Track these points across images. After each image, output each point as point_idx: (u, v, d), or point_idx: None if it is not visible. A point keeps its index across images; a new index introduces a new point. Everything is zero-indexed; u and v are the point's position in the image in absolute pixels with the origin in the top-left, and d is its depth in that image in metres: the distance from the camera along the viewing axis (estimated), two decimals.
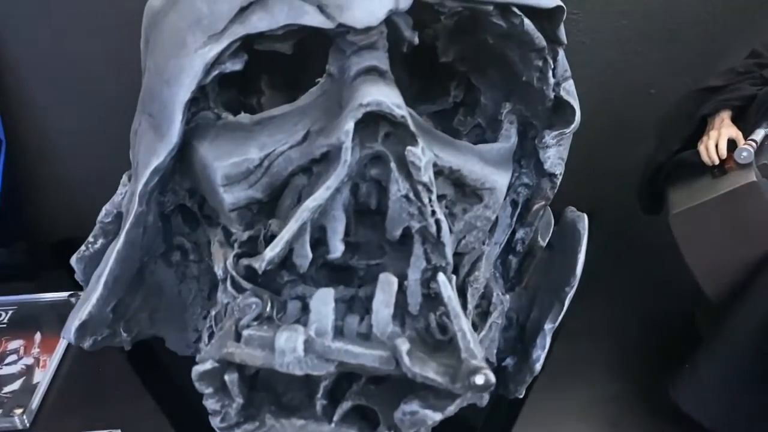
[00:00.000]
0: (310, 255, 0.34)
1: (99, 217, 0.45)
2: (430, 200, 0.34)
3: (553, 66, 0.41)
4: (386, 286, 0.34)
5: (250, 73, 0.46)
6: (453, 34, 0.44)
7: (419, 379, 0.30)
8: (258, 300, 0.33)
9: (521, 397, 0.43)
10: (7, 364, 0.61)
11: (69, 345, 0.63)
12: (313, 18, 0.34)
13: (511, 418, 0.56)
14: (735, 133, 0.53)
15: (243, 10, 0.35)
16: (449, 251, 0.34)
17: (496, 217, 0.43)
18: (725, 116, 0.54)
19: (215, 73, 0.36)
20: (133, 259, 0.40)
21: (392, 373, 0.31)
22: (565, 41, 0.42)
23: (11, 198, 0.76)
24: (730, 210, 0.50)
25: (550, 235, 0.48)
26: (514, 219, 0.45)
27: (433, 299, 0.34)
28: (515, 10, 0.39)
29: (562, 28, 0.41)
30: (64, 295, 0.69)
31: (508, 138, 0.43)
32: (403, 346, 0.30)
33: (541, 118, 0.44)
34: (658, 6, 0.74)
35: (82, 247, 0.44)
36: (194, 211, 0.43)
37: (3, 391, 0.58)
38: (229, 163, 0.36)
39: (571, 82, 0.43)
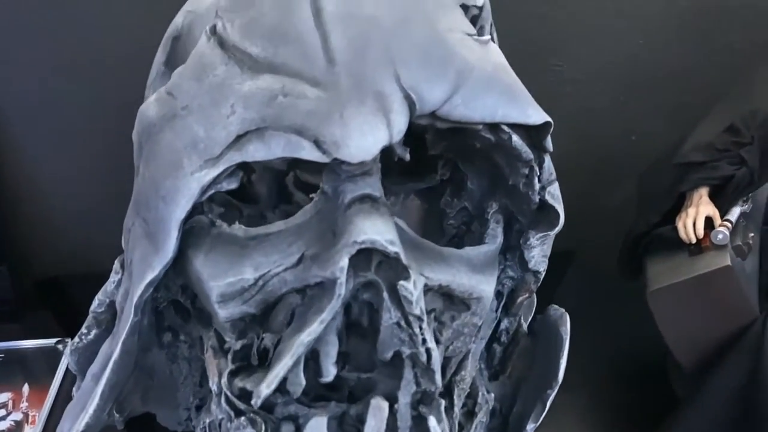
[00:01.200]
0: (303, 383, 0.35)
1: (92, 308, 0.45)
2: (420, 329, 0.35)
3: (539, 172, 0.43)
4: (377, 412, 0.35)
5: None
6: (442, 132, 0.45)
7: None
8: (251, 428, 0.34)
9: None
10: None
11: (57, 400, 0.64)
12: (309, 153, 0.35)
13: None
14: (712, 211, 0.55)
15: (239, 138, 0.36)
16: (438, 377, 0.36)
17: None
18: (703, 192, 0.56)
19: (210, 192, 0.37)
20: (130, 364, 0.41)
21: None
22: (551, 149, 0.43)
23: None
24: (704, 290, 0.53)
25: (530, 318, 0.50)
26: (499, 310, 0.47)
27: (421, 422, 0.35)
28: (504, 127, 0.40)
29: (549, 138, 0.42)
30: (51, 341, 0.69)
31: (495, 238, 0.44)
32: None
33: (526, 215, 0.45)
34: (641, 57, 0.75)
35: (76, 339, 0.45)
36: (186, 306, 0.44)
37: None
38: (225, 283, 0.37)
39: (556, 185, 0.44)
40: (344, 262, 0.34)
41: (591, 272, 0.81)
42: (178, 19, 0.46)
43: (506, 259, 0.47)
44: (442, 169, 0.51)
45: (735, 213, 0.55)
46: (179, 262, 0.41)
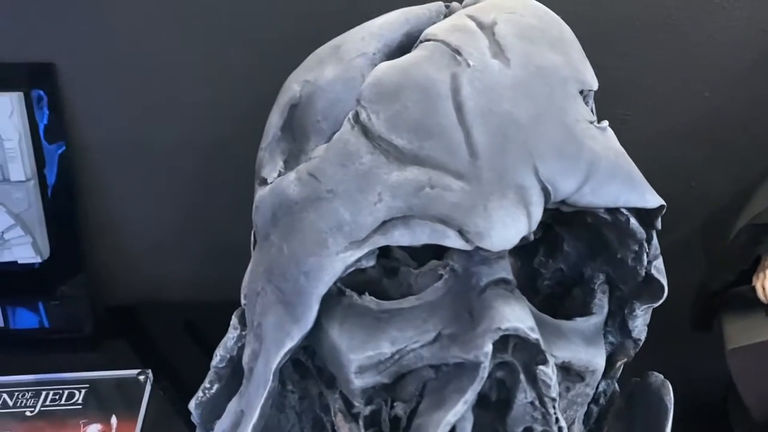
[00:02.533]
0: None
1: (213, 363, 0.48)
2: (554, 408, 0.38)
3: (647, 249, 0.45)
4: None
5: None
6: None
7: None
8: None
9: None
10: None
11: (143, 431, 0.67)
12: (453, 242, 0.37)
13: None
14: None
15: (385, 223, 0.38)
16: None
17: None
18: None
19: (351, 270, 0.40)
20: (261, 426, 0.43)
21: None
22: (660, 227, 0.45)
23: (68, 256, 0.76)
24: None
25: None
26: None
27: None
28: (623, 210, 0.42)
29: (659, 219, 0.44)
30: (133, 372, 0.72)
31: (602, 308, 0.47)
32: None
33: (629, 285, 0.47)
34: (705, 109, 0.77)
35: (200, 393, 0.47)
36: (307, 365, 0.46)
37: None
38: (364, 356, 0.40)
39: (660, 260, 0.47)
40: (488, 347, 0.36)
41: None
42: (295, 87, 0.48)
43: (606, 325, 0.49)
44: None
45: None
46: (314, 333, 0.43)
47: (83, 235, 0.79)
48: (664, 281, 0.46)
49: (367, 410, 0.41)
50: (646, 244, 0.45)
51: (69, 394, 0.70)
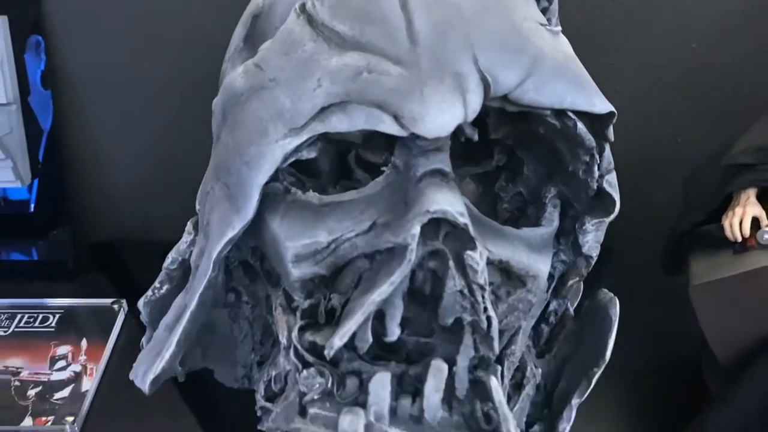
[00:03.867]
0: (371, 340, 0.38)
1: (165, 264, 0.48)
2: (483, 298, 0.37)
3: (599, 160, 0.44)
4: (437, 372, 0.37)
5: None
6: (504, 116, 0.47)
7: None
8: (323, 380, 0.37)
9: None
10: (57, 370, 0.65)
11: (113, 354, 0.67)
12: (388, 127, 0.37)
13: None
14: (759, 211, 0.56)
15: (323, 110, 0.38)
16: (497, 344, 0.38)
17: None
18: (751, 194, 0.57)
19: (291, 159, 0.40)
20: (203, 316, 0.44)
21: None
22: (612, 139, 0.45)
23: (48, 187, 0.77)
24: (747, 288, 0.54)
25: (576, 303, 0.52)
26: (549, 292, 0.49)
27: (478, 386, 0.38)
28: (570, 114, 0.42)
29: (611, 128, 0.44)
30: (107, 301, 0.72)
31: (551, 222, 0.46)
32: None
33: (582, 202, 0.47)
34: (693, 61, 0.76)
35: (149, 292, 0.48)
36: (255, 267, 0.47)
37: (54, 398, 0.62)
38: (300, 244, 0.40)
39: (613, 174, 0.46)
40: (416, 229, 0.36)
41: (629, 268, 0.83)
42: (259, 0, 0.49)
43: (559, 243, 0.49)
44: (498, 155, 0.53)
45: None
46: (253, 225, 0.43)
47: (67, 174, 0.80)
48: (616, 195, 0.46)
49: (306, 303, 0.41)
50: (597, 156, 0.44)
51: (43, 317, 0.71)
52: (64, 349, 0.68)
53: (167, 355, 0.42)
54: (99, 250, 0.85)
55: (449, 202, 0.37)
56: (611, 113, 0.43)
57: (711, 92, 0.78)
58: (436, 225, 0.38)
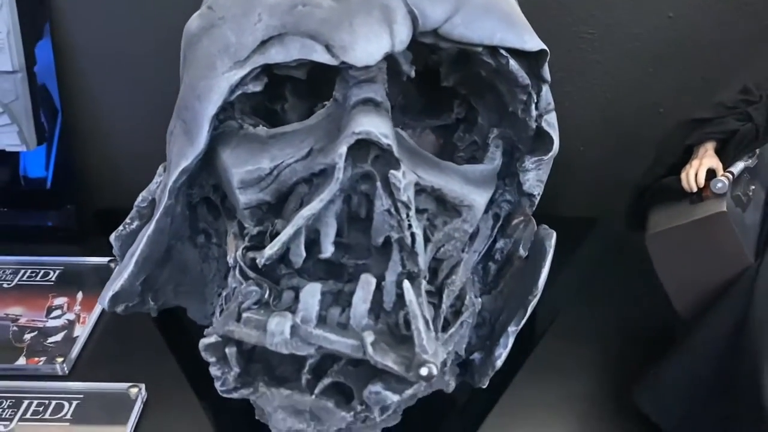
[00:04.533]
0: (304, 254, 0.41)
1: (136, 202, 0.52)
2: (407, 216, 0.40)
3: (536, 100, 0.47)
4: (366, 285, 0.40)
5: (277, 81, 0.52)
6: (454, 63, 0.50)
7: (380, 366, 0.36)
8: (258, 288, 0.40)
9: (484, 387, 0.49)
10: (52, 318, 0.69)
11: None
12: (320, 56, 0.40)
13: (489, 404, 0.62)
14: (716, 163, 0.57)
15: (264, 43, 0.41)
16: (421, 260, 0.41)
17: (477, 228, 0.49)
18: (709, 147, 0.59)
19: (238, 92, 0.43)
20: (161, 243, 0.47)
21: (361, 358, 0.37)
22: (549, 79, 0.47)
23: (64, 166, 0.83)
24: (700, 235, 0.55)
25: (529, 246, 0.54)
26: (495, 230, 0.51)
27: (402, 298, 0.40)
28: (502, 51, 0.44)
29: (546, 67, 0.46)
30: (104, 260, 0.77)
31: (492, 160, 0.49)
32: (369, 338, 0.37)
33: (525, 143, 0.49)
34: (671, 30, 0.77)
35: (120, 227, 0.51)
36: (217, 203, 0.50)
37: (48, 341, 0.66)
38: (245, 170, 0.43)
39: (553, 114, 0.48)
40: (343, 149, 0.39)
41: (611, 239, 0.84)
42: None
43: (505, 184, 0.51)
44: (457, 108, 0.56)
45: (738, 166, 0.57)
46: (211, 161, 0.47)
47: (73, 144, 0.84)
48: (555, 135, 0.48)
49: (255, 230, 0.44)
50: (534, 95, 0.46)
51: (44, 273, 0.76)
52: (60, 300, 0.72)
53: (126, 273, 0.45)
54: (103, 216, 0.90)
55: (374, 125, 0.40)
56: (543, 51, 0.45)
57: (692, 61, 0.79)
58: (365, 149, 0.40)
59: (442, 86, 0.53)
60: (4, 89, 0.75)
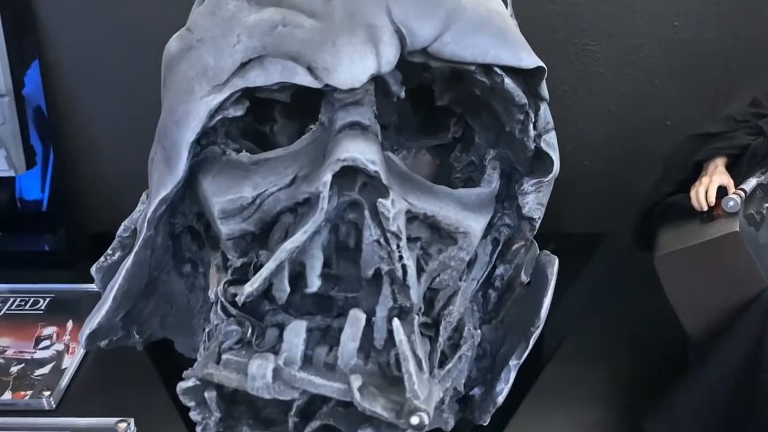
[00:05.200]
0: (288, 289, 0.38)
1: (118, 232, 0.50)
2: (398, 246, 0.38)
3: (534, 119, 0.44)
4: (354, 321, 0.37)
5: (266, 102, 0.50)
6: (448, 81, 0.47)
7: (368, 412, 0.34)
8: (238, 327, 0.38)
9: (485, 424, 0.46)
10: (41, 348, 0.67)
11: None
12: (303, 78, 0.38)
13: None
14: (727, 180, 0.54)
15: (243, 66, 0.39)
16: (413, 293, 0.38)
17: (475, 255, 0.47)
18: (719, 163, 0.56)
19: (218, 117, 0.41)
20: (141, 276, 0.45)
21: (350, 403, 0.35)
22: (547, 97, 0.44)
23: (58, 191, 0.82)
24: (712, 257, 0.52)
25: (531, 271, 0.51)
26: (494, 256, 0.48)
27: (393, 335, 0.38)
28: (496, 69, 0.42)
29: (543, 85, 0.44)
30: (94, 286, 0.74)
31: (490, 183, 0.46)
32: (356, 382, 0.34)
33: (524, 164, 0.47)
34: (676, 39, 0.75)
35: (102, 259, 0.49)
36: (201, 232, 0.48)
37: (35, 374, 0.64)
38: (226, 200, 0.41)
39: (552, 134, 0.46)
40: (327, 177, 0.37)
41: (619, 254, 0.81)
42: None
43: (504, 207, 0.48)
44: (454, 127, 0.53)
45: (751, 183, 0.54)
46: (194, 189, 0.45)
47: (66, 165, 0.83)
48: (555, 155, 0.46)
49: (239, 262, 0.42)
50: (531, 114, 0.44)
51: (34, 301, 0.74)
52: (50, 330, 0.70)
53: (103, 310, 0.43)
54: (96, 240, 0.88)
55: (360, 150, 0.37)
56: (540, 68, 0.42)
57: (698, 71, 0.76)
58: (352, 175, 0.38)
59: (439, 105, 0.51)
60: None
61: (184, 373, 0.37)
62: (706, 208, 0.54)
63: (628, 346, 0.70)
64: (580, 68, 0.77)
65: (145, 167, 0.89)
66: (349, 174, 0.38)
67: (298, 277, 0.39)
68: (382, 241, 0.38)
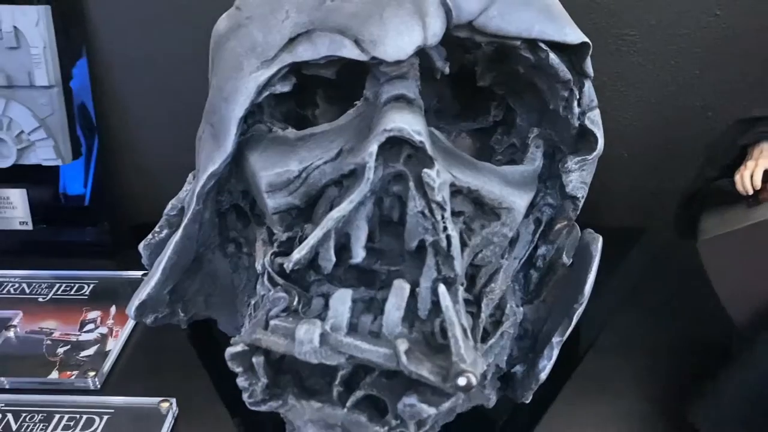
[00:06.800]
0: (334, 259, 0.39)
1: (165, 210, 0.51)
2: (443, 217, 0.38)
3: (578, 96, 0.44)
4: (399, 291, 0.38)
5: (307, 87, 0.51)
6: (490, 61, 0.48)
7: (414, 376, 0.34)
8: (286, 295, 0.38)
9: (527, 402, 0.46)
10: (85, 332, 0.69)
11: None
12: (350, 51, 0.38)
13: (532, 422, 0.59)
14: None
15: (292, 41, 0.40)
16: (458, 264, 0.38)
17: (517, 233, 0.47)
18: (765, 147, 0.55)
19: (266, 93, 0.42)
20: (190, 250, 0.46)
21: (395, 368, 0.35)
22: (592, 74, 0.45)
23: (100, 183, 0.84)
24: (757, 241, 0.51)
25: (573, 253, 0.51)
26: (537, 236, 0.48)
27: (438, 305, 0.38)
28: (541, 45, 0.42)
29: (588, 61, 0.44)
30: (138, 274, 0.76)
31: (533, 161, 0.46)
32: (402, 346, 0.34)
33: (568, 143, 0.47)
34: (718, 29, 0.74)
35: (149, 236, 0.50)
36: (246, 210, 0.48)
37: (80, 355, 0.66)
38: (273, 173, 0.42)
39: (596, 111, 0.46)
40: (373, 148, 0.37)
41: (659, 249, 0.80)
42: None
43: (547, 187, 0.48)
44: (495, 110, 0.54)
45: None
46: (240, 166, 0.45)
47: (108, 159, 0.85)
48: (599, 132, 0.46)
49: (284, 236, 0.43)
50: (576, 91, 0.44)
51: (78, 287, 0.76)
52: (94, 314, 0.71)
53: (152, 281, 0.44)
54: (138, 231, 0.89)
55: (406, 121, 0.38)
56: (585, 44, 0.42)
57: (740, 62, 0.75)
58: (397, 147, 0.38)
59: (479, 89, 0.51)
60: (40, 104, 0.76)
61: (232, 339, 0.38)
62: (751, 192, 0.53)
63: (668, 338, 0.69)
64: (618, 58, 0.76)
65: (186, 160, 0.91)
66: (394, 146, 0.38)
67: (342, 249, 0.40)
68: (426, 212, 0.38)
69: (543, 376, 0.43)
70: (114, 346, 0.67)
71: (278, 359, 0.39)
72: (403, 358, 0.34)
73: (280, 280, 0.40)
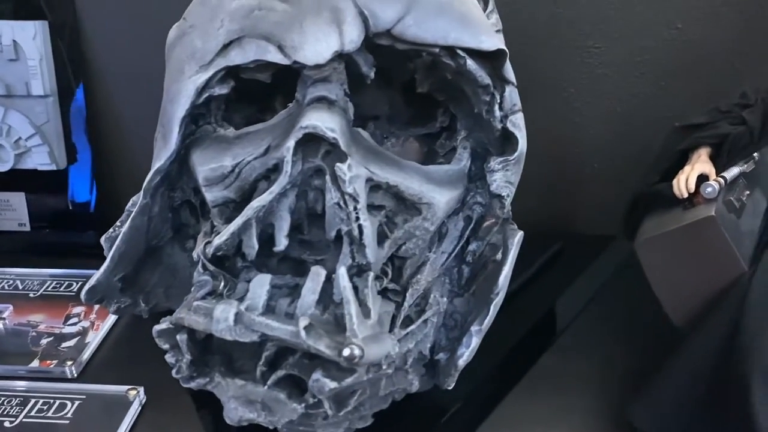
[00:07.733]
0: (256, 246, 0.42)
1: (127, 206, 0.55)
2: (355, 208, 0.41)
3: (500, 101, 0.47)
4: (315, 276, 0.41)
5: (268, 92, 0.55)
6: (428, 69, 0.51)
7: (313, 350, 0.37)
8: (210, 278, 0.42)
9: (449, 388, 0.48)
10: (69, 325, 0.73)
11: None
12: (274, 56, 0.42)
13: (483, 415, 0.61)
14: (708, 169, 0.56)
15: (225, 47, 0.44)
16: (370, 252, 0.41)
17: (446, 229, 0.50)
18: (703, 152, 0.57)
19: (206, 95, 0.45)
20: (138, 240, 0.50)
21: (299, 344, 0.38)
22: (513, 80, 0.47)
23: (103, 192, 0.88)
24: (690, 241, 0.53)
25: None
26: (467, 233, 0.51)
27: (355, 291, 0.41)
28: (459, 51, 0.45)
29: (507, 67, 0.47)
30: None
31: (459, 161, 0.49)
32: (303, 322, 0.37)
33: (494, 145, 0.49)
34: (680, 41, 0.76)
35: (111, 229, 0.54)
36: (196, 206, 0.52)
37: (62, 346, 0.70)
38: (208, 168, 0.45)
39: (519, 115, 0.48)
40: (290, 143, 0.41)
41: (626, 256, 0.81)
42: None
43: (477, 187, 0.51)
44: (441, 117, 0.57)
45: (732, 171, 0.54)
46: (188, 164, 0.49)
47: (106, 167, 0.89)
48: (520, 135, 0.48)
49: (223, 228, 0.46)
50: (497, 95, 0.47)
51: (67, 284, 0.80)
52: (78, 309, 0.75)
53: (102, 268, 0.48)
54: None
55: (322, 120, 0.41)
56: (501, 51, 0.45)
57: (704, 72, 0.77)
58: (316, 144, 0.42)
59: (428, 97, 0.54)
60: (37, 112, 0.81)
61: (161, 319, 0.42)
62: (686, 195, 0.55)
63: (624, 341, 0.70)
64: (584, 70, 0.79)
65: None
66: (313, 142, 0.42)
67: (270, 239, 0.43)
68: (341, 203, 0.41)
69: (461, 362, 0.46)
70: (93, 338, 0.71)
71: (205, 338, 0.42)
72: (302, 333, 0.37)
73: (210, 267, 0.43)
